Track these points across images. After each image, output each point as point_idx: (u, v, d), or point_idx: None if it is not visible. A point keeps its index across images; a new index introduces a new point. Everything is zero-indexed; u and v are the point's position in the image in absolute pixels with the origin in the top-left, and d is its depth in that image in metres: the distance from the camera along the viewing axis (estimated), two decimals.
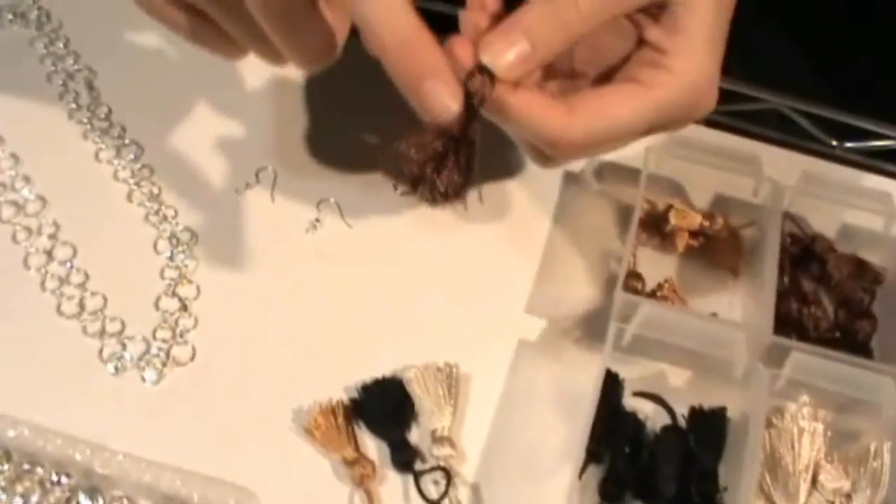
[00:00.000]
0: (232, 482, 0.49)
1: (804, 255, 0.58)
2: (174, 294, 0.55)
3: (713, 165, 0.58)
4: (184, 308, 0.55)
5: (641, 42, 0.47)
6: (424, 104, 0.41)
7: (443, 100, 0.40)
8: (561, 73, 0.49)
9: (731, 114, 0.66)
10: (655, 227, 0.59)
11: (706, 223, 0.58)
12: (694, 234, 0.58)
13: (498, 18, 0.44)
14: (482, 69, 0.42)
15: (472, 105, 0.42)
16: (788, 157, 0.63)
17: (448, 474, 0.49)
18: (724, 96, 0.63)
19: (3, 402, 0.50)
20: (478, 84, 0.41)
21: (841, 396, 0.52)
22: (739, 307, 0.57)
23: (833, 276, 0.57)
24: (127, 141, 0.62)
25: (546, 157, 0.48)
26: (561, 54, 0.44)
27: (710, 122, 0.63)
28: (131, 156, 0.61)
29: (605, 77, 0.48)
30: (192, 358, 0.53)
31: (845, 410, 0.53)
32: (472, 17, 0.45)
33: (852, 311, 0.57)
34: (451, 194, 0.43)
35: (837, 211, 0.60)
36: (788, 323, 0.55)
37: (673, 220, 0.57)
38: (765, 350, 0.52)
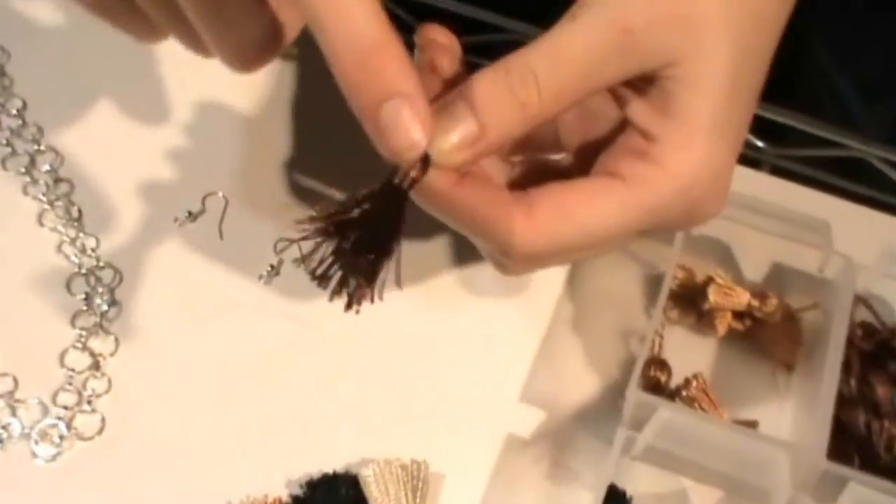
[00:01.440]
0: None
1: (879, 351, 0.55)
2: (85, 347, 0.54)
3: (769, 230, 0.56)
4: (96, 366, 0.53)
5: (626, 121, 0.42)
6: (383, 135, 0.36)
7: (407, 130, 0.36)
8: (535, 143, 0.45)
9: (800, 160, 0.63)
10: (691, 302, 0.56)
11: (755, 303, 0.55)
12: (739, 315, 0.56)
13: (453, 85, 0.40)
14: None
15: (397, 191, 0.38)
16: (868, 221, 0.61)
17: None
18: (795, 138, 0.61)
19: None
20: (406, 166, 0.37)
21: None
22: (790, 415, 0.55)
23: None
24: (42, 147, 0.60)
25: (502, 263, 0.44)
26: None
27: (774, 169, 0.62)
28: (47, 166, 0.60)
29: (592, 150, 0.43)
30: (100, 431, 0.52)
31: None
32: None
33: None
34: (350, 295, 0.40)
35: None
36: (852, 440, 0.53)
37: (713, 296, 0.55)
38: (815, 479, 0.49)
